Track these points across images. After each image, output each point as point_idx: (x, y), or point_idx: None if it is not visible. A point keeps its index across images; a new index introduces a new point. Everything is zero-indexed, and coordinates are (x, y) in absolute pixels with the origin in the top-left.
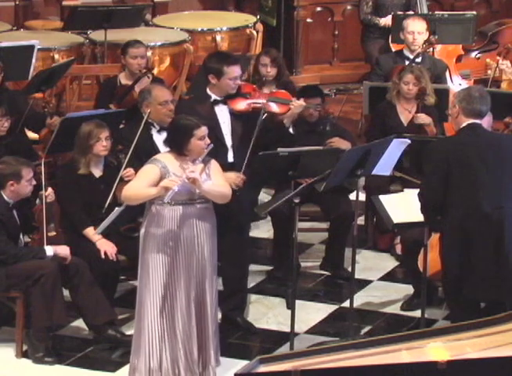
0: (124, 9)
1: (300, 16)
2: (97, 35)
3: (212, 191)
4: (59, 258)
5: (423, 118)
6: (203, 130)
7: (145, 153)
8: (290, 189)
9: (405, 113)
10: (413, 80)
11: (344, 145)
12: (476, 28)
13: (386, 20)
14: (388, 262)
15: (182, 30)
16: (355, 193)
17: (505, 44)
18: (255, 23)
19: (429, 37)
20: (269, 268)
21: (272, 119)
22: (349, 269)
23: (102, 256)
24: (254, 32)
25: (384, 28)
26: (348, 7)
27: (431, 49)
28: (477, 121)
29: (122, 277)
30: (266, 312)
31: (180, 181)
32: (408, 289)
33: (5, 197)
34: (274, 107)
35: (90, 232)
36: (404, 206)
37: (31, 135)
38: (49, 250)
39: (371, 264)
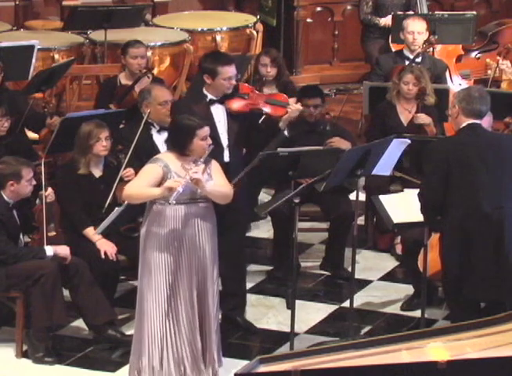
0: (124, 9)
1: (300, 16)
2: (97, 35)
3: (214, 191)
4: (59, 258)
5: (423, 118)
6: (206, 130)
7: (145, 153)
8: (290, 189)
9: (405, 113)
10: (413, 80)
11: (344, 145)
12: (476, 28)
13: (386, 20)
14: (388, 262)
15: (182, 30)
16: (355, 193)
17: (505, 44)
18: (255, 23)
19: (429, 37)
20: (269, 268)
21: (267, 121)
22: (349, 269)
23: (102, 256)
24: (254, 32)
25: (384, 28)
26: (348, 7)
27: (431, 49)
28: (477, 121)
29: (122, 277)
30: (266, 312)
31: (184, 181)
32: (408, 289)
33: (5, 197)
34: (271, 109)
35: (90, 232)
36: (404, 206)
37: (31, 135)
38: (49, 250)
39: (371, 264)
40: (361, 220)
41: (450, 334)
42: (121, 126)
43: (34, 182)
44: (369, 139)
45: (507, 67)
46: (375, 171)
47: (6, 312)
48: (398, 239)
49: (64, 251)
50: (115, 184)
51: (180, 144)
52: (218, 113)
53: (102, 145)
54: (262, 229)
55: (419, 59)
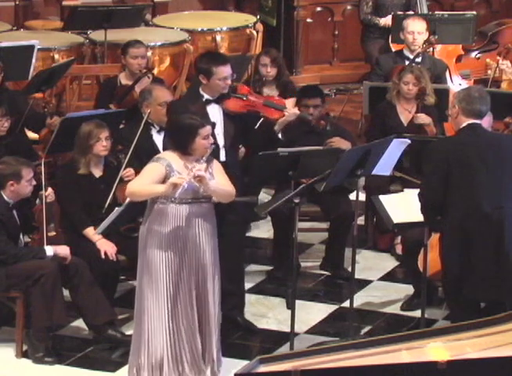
0: (124, 9)
1: (300, 16)
2: (97, 35)
3: (218, 189)
4: (59, 258)
5: (423, 118)
6: (208, 129)
7: (145, 153)
8: (290, 189)
9: (405, 113)
10: (413, 80)
11: (344, 145)
12: (476, 28)
13: (386, 20)
14: (388, 262)
15: (182, 30)
16: (355, 193)
17: (505, 44)
18: (255, 23)
19: (429, 37)
20: (269, 268)
21: (264, 124)
22: (349, 269)
23: (102, 256)
24: (254, 32)
25: (384, 28)
26: (348, 7)
27: (431, 49)
28: (477, 121)
29: (122, 277)
30: (266, 312)
31: (189, 178)
32: (408, 289)
33: (5, 197)
34: (268, 112)
35: (90, 232)
36: (404, 206)
37: (31, 135)
38: (49, 250)
39: (371, 264)
40: (361, 220)
41: (450, 334)
42: (121, 126)
43: (34, 182)
44: (369, 139)
45: (507, 67)
46: (375, 171)
47: (6, 312)
48: (398, 239)
49: (64, 251)
50: (115, 184)
51: (182, 143)
52: (215, 113)
53: (102, 145)
54: (262, 229)
55: (419, 59)
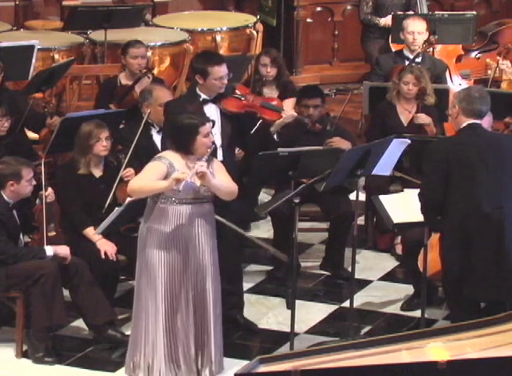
0: (124, 9)
1: (300, 16)
2: (97, 35)
3: (220, 186)
4: (59, 258)
5: (423, 118)
6: (208, 127)
7: (145, 153)
8: (290, 189)
9: (405, 113)
10: (413, 80)
11: (344, 145)
12: (476, 28)
13: (386, 20)
14: (388, 262)
15: (182, 30)
16: (355, 193)
17: (505, 44)
18: (255, 23)
19: (429, 37)
20: (269, 268)
21: (262, 127)
22: (349, 269)
23: (102, 256)
24: (254, 32)
25: (384, 28)
26: (348, 7)
27: (431, 49)
28: (477, 121)
29: (122, 277)
30: (266, 312)
31: (191, 173)
32: (408, 289)
33: (5, 197)
34: (266, 113)
35: (90, 232)
36: (404, 206)
37: (31, 135)
38: (49, 250)
39: (371, 264)
40: (361, 220)
41: (450, 334)
42: (121, 126)
43: (34, 182)
44: (369, 139)
45: (507, 67)
46: (375, 171)
47: (6, 312)
48: (398, 239)
49: (64, 251)
50: (115, 184)
51: (183, 143)
52: (212, 112)
53: (102, 145)
54: (262, 229)
55: (419, 59)
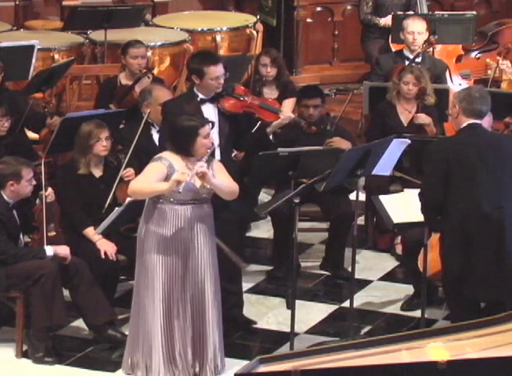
0: (124, 9)
1: (300, 16)
2: (97, 35)
3: (221, 185)
4: (59, 258)
5: (423, 118)
6: (208, 128)
7: (145, 153)
8: (290, 189)
9: (405, 113)
10: (413, 80)
11: (344, 145)
12: (476, 28)
13: (386, 20)
14: (388, 262)
15: (182, 30)
16: (355, 193)
17: (505, 44)
18: (255, 23)
19: (429, 37)
20: (269, 268)
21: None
22: (349, 269)
23: (102, 256)
24: (254, 32)
25: (384, 28)
26: (348, 7)
27: (431, 49)
28: (478, 121)
29: (122, 277)
30: (266, 312)
31: (191, 174)
32: (408, 289)
33: (5, 197)
34: (263, 114)
35: (90, 232)
36: (404, 206)
37: (31, 135)
38: (49, 250)
39: (371, 264)
40: (361, 220)
41: (450, 334)
42: (121, 126)
43: (34, 182)
44: (369, 139)
45: (507, 67)
46: (375, 171)
47: (6, 312)
48: (398, 239)
49: (64, 251)
50: (115, 184)
51: (184, 146)
52: (209, 112)
53: (102, 145)
54: (262, 229)
55: (419, 59)
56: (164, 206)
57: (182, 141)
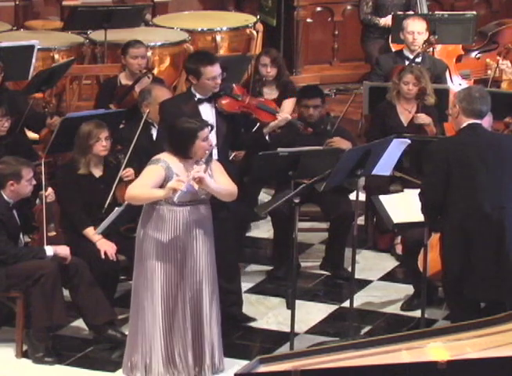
0: (124, 9)
1: (300, 16)
2: (97, 35)
3: (219, 189)
4: (59, 258)
5: (423, 118)
6: (206, 131)
7: (144, 152)
8: (290, 189)
9: (405, 113)
10: (413, 80)
11: (344, 145)
12: (476, 28)
13: (386, 20)
14: (388, 262)
15: (182, 30)
16: (355, 193)
17: (505, 44)
18: (255, 23)
19: (429, 37)
20: (269, 268)
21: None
22: (349, 269)
23: (102, 256)
24: (254, 32)
25: (384, 28)
26: (348, 7)
27: (431, 49)
28: (478, 121)
29: (122, 277)
30: (266, 312)
31: (187, 181)
32: (408, 289)
33: (5, 197)
34: (261, 114)
35: (90, 232)
36: (404, 206)
37: (31, 135)
38: (49, 250)
39: (371, 264)
40: (361, 220)
41: (450, 334)
42: (121, 126)
43: (34, 182)
44: (369, 139)
45: (507, 67)
46: (375, 171)
47: (6, 312)
48: (398, 239)
49: (64, 251)
50: (115, 184)
51: (182, 148)
52: (207, 112)
53: (101, 145)
54: (262, 229)
55: (419, 59)
56: (163, 207)
57: (181, 143)
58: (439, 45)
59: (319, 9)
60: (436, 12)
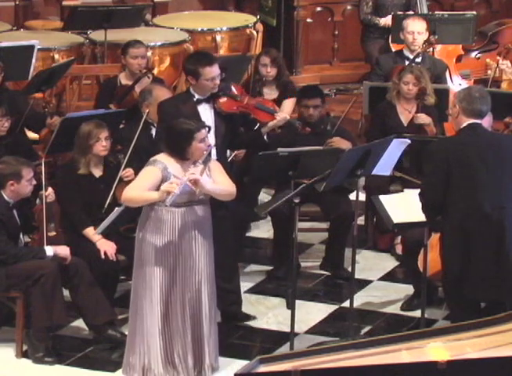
0: (124, 9)
1: (300, 16)
2: (97, 35)
3: (216, 190)
4: (59, 258)
5: (423, 118)
6: (204, 132)
7: (144, 152)
8: (290, 189)
9: (405, 113)
10: (413, 80)
11: (344, 145)
12: (476, 28)
13: (386, 20)
14: (388, 262)
15: (182, 30)
16: (355, 193)
17: (505, 44)
18: (255, 23)
19: (429, 37)
20: (269, 268)
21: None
22: (349, 269)
23: (102, 256)
24: (254, 32)
25: (384, 28)
26: (348, 7)
27: (431, 49)
28: (478, 121)
29: (122, 277)
30: (266, 312)
31: (181, 183)
32: (408, 289)
33: (5, 197)
34: (259, 114)
35: (90, 232)
36: (404, 206)
37: (31, 135)
38: (49, 250)
39: (371, 264)
40: (361, 220)
41: (450, 334)
42: (121, 126)
43: (34, 182)
44: (369, 139)
45: (507, 67)
46: (375, 171)
47: (6, 312)
48: (398, 239)
49: (64, 251)
50: (115, 184)
51: (179, 149)
52: (206, 112)
53: (101, 145)
54: (262, 229)
55: (419, 59)
56: (161, 209)
57: (178, 144)
58: (439, 45)
59: (319, 9)
60: (436, 12)
